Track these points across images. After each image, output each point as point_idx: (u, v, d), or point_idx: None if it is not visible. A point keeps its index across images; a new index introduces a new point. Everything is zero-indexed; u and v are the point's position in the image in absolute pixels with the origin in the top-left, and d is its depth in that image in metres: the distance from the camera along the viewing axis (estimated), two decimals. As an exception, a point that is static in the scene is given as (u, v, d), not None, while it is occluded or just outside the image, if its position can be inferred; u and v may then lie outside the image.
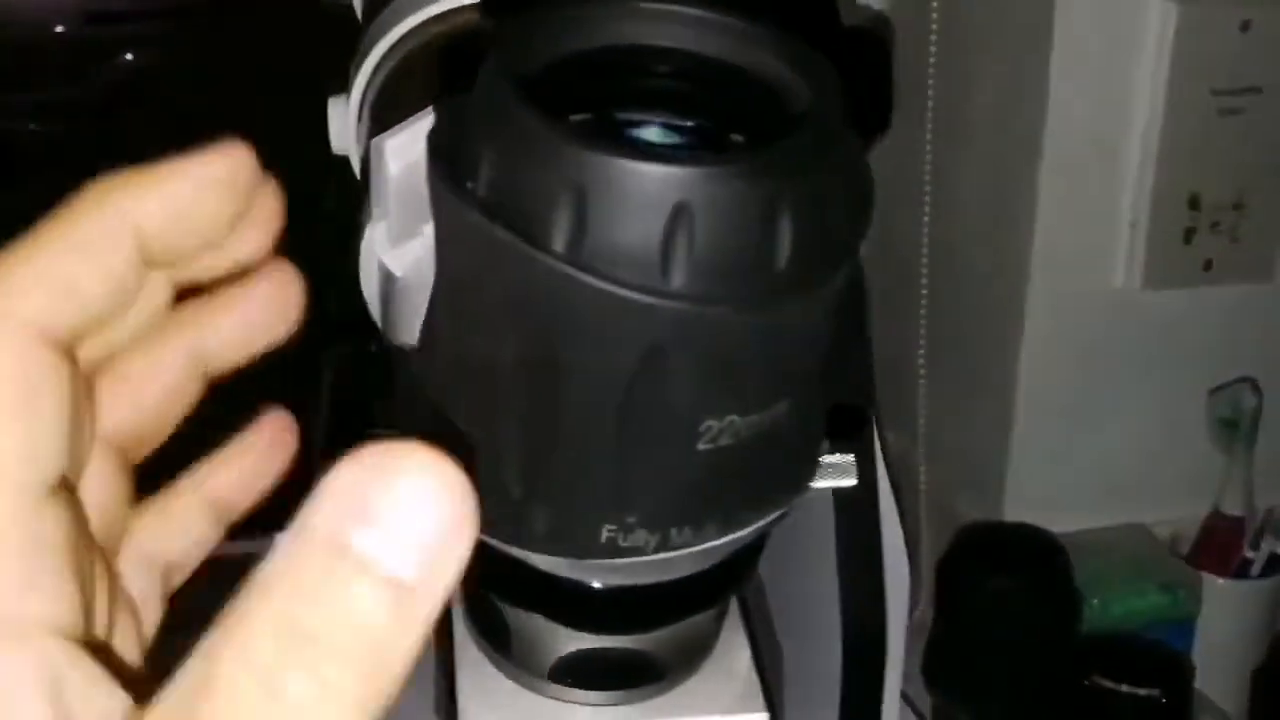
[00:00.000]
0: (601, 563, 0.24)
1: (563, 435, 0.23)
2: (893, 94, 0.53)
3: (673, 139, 0.24)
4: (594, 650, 0.29)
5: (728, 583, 0.28)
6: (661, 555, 0.24)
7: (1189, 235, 0.68)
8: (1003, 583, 0.63)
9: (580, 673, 0.29)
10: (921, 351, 0.77)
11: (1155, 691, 0.54)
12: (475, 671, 0.29)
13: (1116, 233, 0.68)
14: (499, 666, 0.29)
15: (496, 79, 0.22)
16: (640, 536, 0.24)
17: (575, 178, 0.21)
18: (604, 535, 0.24)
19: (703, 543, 0.24)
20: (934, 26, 0.71)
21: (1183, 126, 0.66)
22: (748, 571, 0.29)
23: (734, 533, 0.25)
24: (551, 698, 0.29)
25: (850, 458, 0.30)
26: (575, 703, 0.29)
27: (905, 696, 0.65)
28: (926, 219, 0.74)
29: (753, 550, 0.28)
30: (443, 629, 0.31)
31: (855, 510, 0.50)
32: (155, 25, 2.05)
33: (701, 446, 0.23)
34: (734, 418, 0.23)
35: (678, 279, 0.21)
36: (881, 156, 0.81)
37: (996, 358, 0.71)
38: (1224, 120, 0.66)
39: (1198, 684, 0.68)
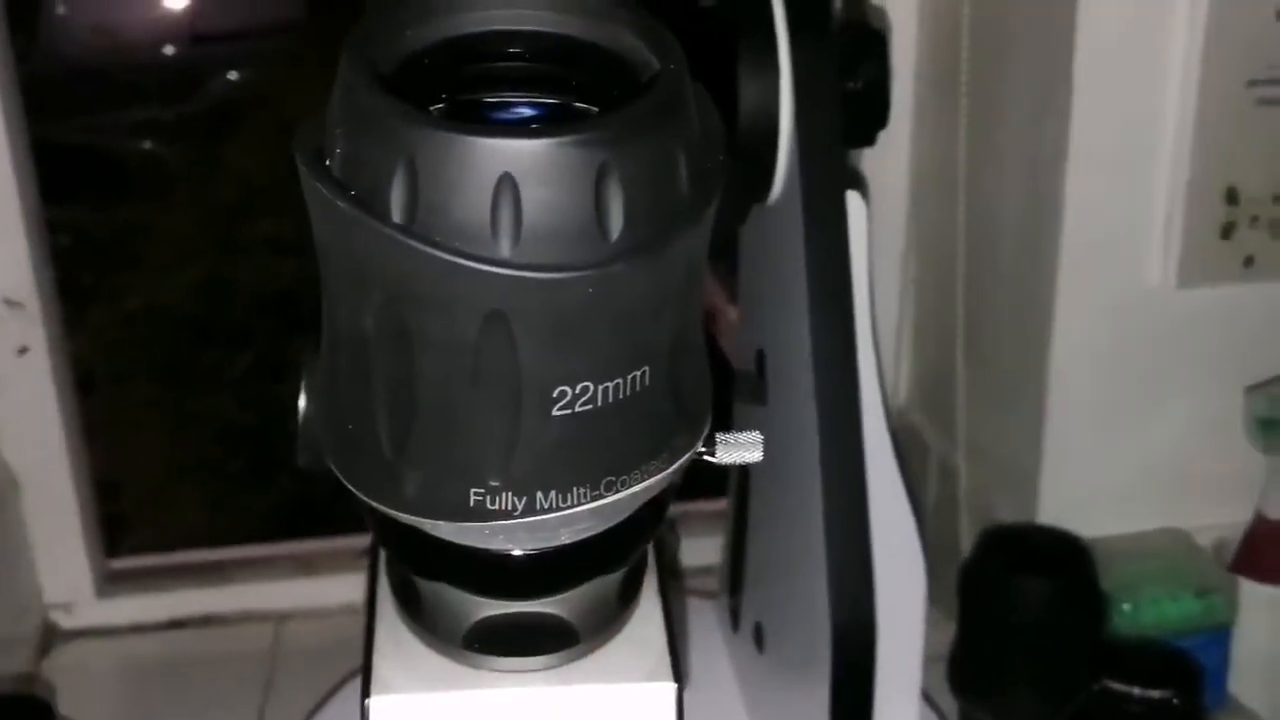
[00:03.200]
0: (475, 526, 0.25)
1: (421, 400, 0.24)
2: (890, 88, 0.53)
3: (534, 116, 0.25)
4: (505, 616, 0.30)
5: (629, 545, 0.29)
6: (531, 519, 0.25)
7: (1227, 230, 0.66)
8: (1024, 584, 0.62)
9: (493, 638, 0.30)
10: (960, 353, 0.76)
11: (1168, 694, 0.53)
12: (392, 637, 0.31)
13: (1150, 229, 0.66)
14: (415, 633, 0.31)
15: (347, 65, 0.23)
16: (507, 500, 0.25)
17: (407, 151, 0.22)
18: (471, 499, 0.25)
19: (572, 507, 0.25)
20: (966, 23, 0.71)
21: (1218, 119, 0.64)
22: (648, 534, 0.29)
23: (606, 498, 0.26)
24: (465, 664, 0.30)
25: (756, 435, 0.30)
26: (488, 669, 0.30)
27: (927, 697, 0.64)
28: (962, 220, 0.74)
29: (653, 513, 0.28)
30: (369, 592, 0.32)
31: (843, 504, 0.50)
32: (259, 44, 2.13)
33: (557, 412, 0.24)
34: (588, 384, 0.24)
35: (507, 246, 0.22)
36: (918, 156, 0.81)
37: (1028, 359, 0.70)
38: (1261, 111, 0.64)
39: (1234, 691, 0.66)
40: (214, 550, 0.85)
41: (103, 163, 1.94)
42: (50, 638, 0.79)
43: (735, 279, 0.65)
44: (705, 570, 0.79)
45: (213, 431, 1.48)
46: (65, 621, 0.80)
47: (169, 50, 2.11)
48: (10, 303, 0.74)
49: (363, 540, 0.89)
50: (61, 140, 1.81)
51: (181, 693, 0.76)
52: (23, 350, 0.75)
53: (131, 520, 1.24)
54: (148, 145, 2.01)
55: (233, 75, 2.09)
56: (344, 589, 0.82)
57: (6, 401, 0.76)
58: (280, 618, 0.81)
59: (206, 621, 0.81)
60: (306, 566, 0.83)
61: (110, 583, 0.82)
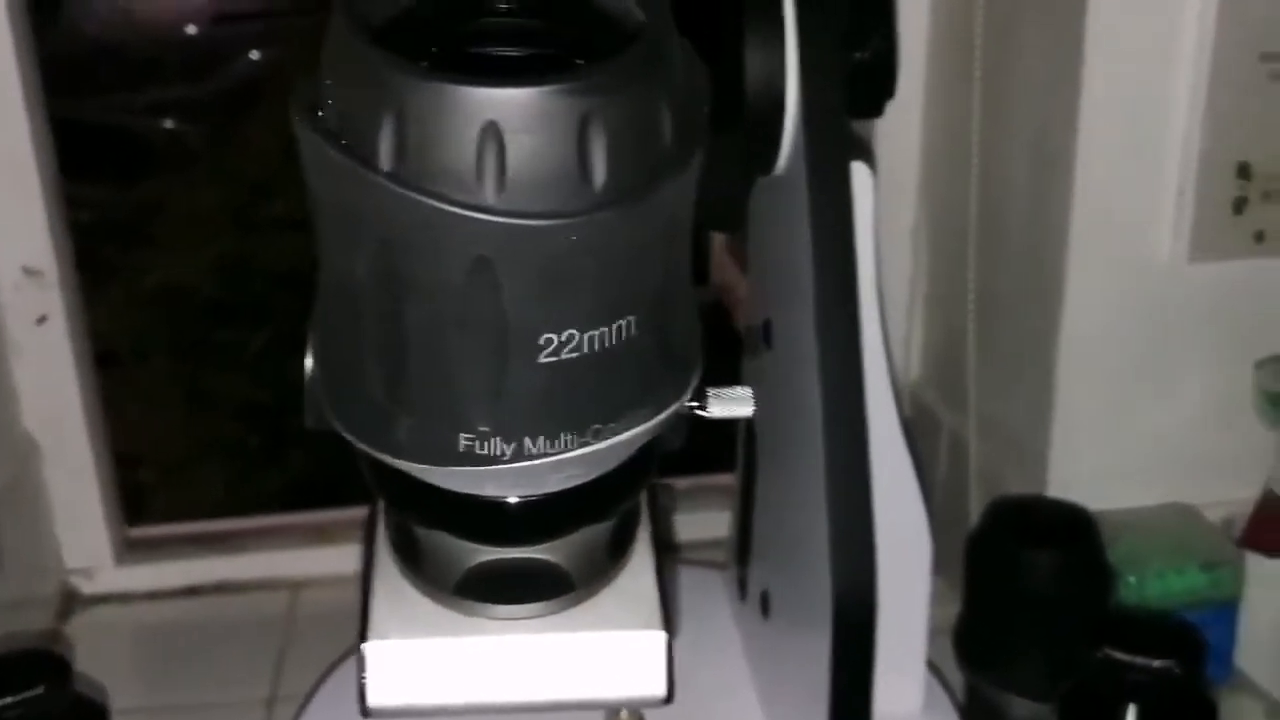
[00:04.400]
0: (465, 470, 0.26)
1: (410, 347, 0.25)
2: (897, 58, 0.53)
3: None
4: (498, 563, 0.30)
5: (619, 494, 0.30)
6: (520, 464, 0.26)
7: (1239, 205, 0.66)
8: (1030, 555, 0.62)
9: (487, 585, 0.31)
10: (971, 326, 0.76)
11: (1169, 663, 0.53)
12: (389, 585, 0.31)
13: (1162, 203, 0.66)
14: (412, 581, 0.31)
15: (339, 20, 0.24)
16: (496, 446, 0.26)
17: (395, 101, 0.22)
18: (461, 444, 0.26)
19: (560, 453, 0.26)
20: (980, -2, 0.71)
21: (1231, 93, 0.64)
22: (638, 484, 0.30)
23: (593, 445, 0.26)
24: (460, 611, 0.31)
25: (748, 390, 0.31)
26: (482, 616, 0.31)
27: (933, 666, 0.65)
28: (974, 195, 0.74)
29: (642, 463, 0.29)
30: (367, 542, 0.33)
31: (845, 473, 0.50)
32: (280, 23, 2.14)
33: (544, 359, 0.25)
34: (574, 331, 0.25)
35: (492, 193, 0.23)
36: (930, 131, 0.81)
37: (1038, 333, 0.70)
38: (1274, 85, 0.64)
39: (1241, 665, 0.66)
40: (230, 520, 0.86)
41: (123, 141, 1.96)
42: (70, 603, 0.81)
43: (746, 255, 0.65)
44: (714, 543, 0.80)
45: (229, 407, 1.50)
46: (85, 587, 0.81)
47: (190, 29, 2.12)
48: (29, 271, 0.75)
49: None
50: (83, 118, 1.83)
51: (198, 658, 0.77)
52: (41, 319, 0.76)
53: (150, 493, 1.25)
54: (168, 124, 2.03)
55: (254, 55, 2.10)
56: (358, 557, 0.82)
57: (26, 369, 0.77)
58: (295, 585, 0.82)
59: (223, 589, 0.82)
60: (321, 535, 0.84)
61: (129, 550, 0.83)
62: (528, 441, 0.25)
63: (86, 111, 1.88)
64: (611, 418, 0.26)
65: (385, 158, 0.23)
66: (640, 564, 0.32)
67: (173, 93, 2.04)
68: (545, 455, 0.26)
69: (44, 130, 0.75)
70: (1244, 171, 0.65)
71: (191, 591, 0.82)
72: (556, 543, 0.30)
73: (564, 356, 0.25)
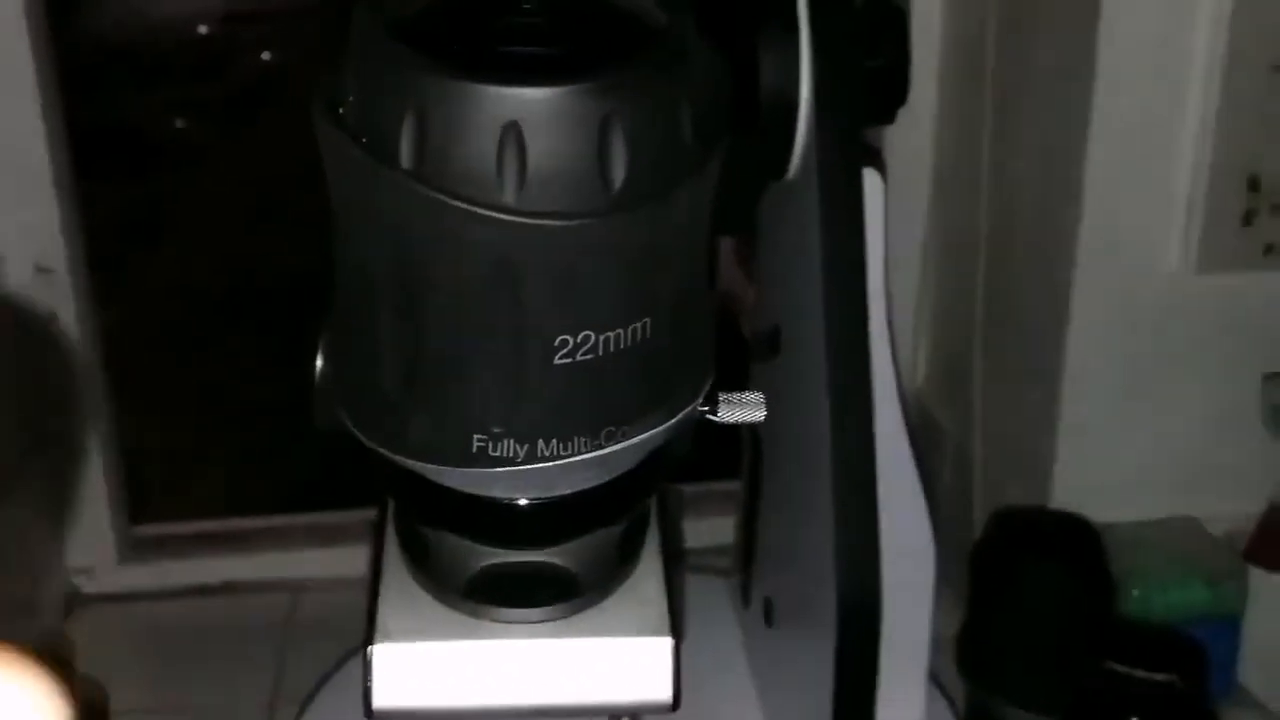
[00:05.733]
0: (476, 472, 0.26)
1: (426, 346, 0.25)
2: (910, 65, 0.53)
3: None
4: (507, 566, 0.30)
5: (629, 499, 0.30)
6: (532, 466, 0.26)
7: (1249, 217, 0.66)
8: (1033, 566, 0.62)
9: (495, 589, 0.30)
10: (978, 339, 0.76)
11: (1171, 677, 0.53)
12: (397, 586, 0.31)
13: (1170, 215, 0.66)
14: (420, 583, 0.31)
15: (361, 17, 0.24)
16: (509, 447, 0.26)
17: (416, 99, 0.22)
18: (474, 445, 0.26)
19: (572, 455, 0.26)
20: (992, 6, 0.71)
21: (1241, 105, 0.64)
22: (648, 489, 0.30)
23: (606, 448, 0.26)
24: (468, 614, 0.31)
25: (759, 395, 0.31)
26: (489, 620, 0.31)
27: (935, 679, 0.65)
28: (984, 205, 0.74)
29: (654, 468, 0.29)
30: (376, 544, 0.33)
31: (853, 482, 0.50)
32: (291, 23, 2.14)
33: (559, 361, 0.25)
34: (590, 333, 0.24)
35: (512, 193, 0.23)
36: (941, 140, 0.81)
37: (1044, 345, 0.70)
38: (1285, 99, 0.64)
39: (1244, 681, 0.66)
40: (235, 520, 0.86)
41: (135, 140, 1.96)
42: (70, 603, 0.81)
43: (756, 261, 0.65)
44: (719, 550, 0.79)
45: (236, 407, 1.50)
46: (86, 586, 0.81)
47: (202, 29, 2.13)
48: (41, 269, 0.75)
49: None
50: (95, 118, 1.83)
51: (199, 658, 0.77)
52: (51, 318, 0.76)
53: (154, 492, 1.25)
54: (180, 123, 2.03)
55: (265, 55, 2.11)
56: (361, 560, 0.82)
57: (34, 367, 0.77)
58: (298, 587, 0.82)
59: (226, 589, 0.82)
60: (325, 537, 0.84)
61: (133, 549, 0.83)
62: (541, 443, 0.25)
63: (97, 111, 1.88)
64: (625, 421, 0.26)
65: (405, 156, 0.23)
66: (648, 570, 0.32)
67: (184, 92, 2.05)
68: (558, 458, 0.26)
69: (59, 131, 0.75)
70: (1254, 184, 0.65)
71: (194, 591, 0.82)
72: (565, 547, 0.30)
73: (579, 358, 0.25)
